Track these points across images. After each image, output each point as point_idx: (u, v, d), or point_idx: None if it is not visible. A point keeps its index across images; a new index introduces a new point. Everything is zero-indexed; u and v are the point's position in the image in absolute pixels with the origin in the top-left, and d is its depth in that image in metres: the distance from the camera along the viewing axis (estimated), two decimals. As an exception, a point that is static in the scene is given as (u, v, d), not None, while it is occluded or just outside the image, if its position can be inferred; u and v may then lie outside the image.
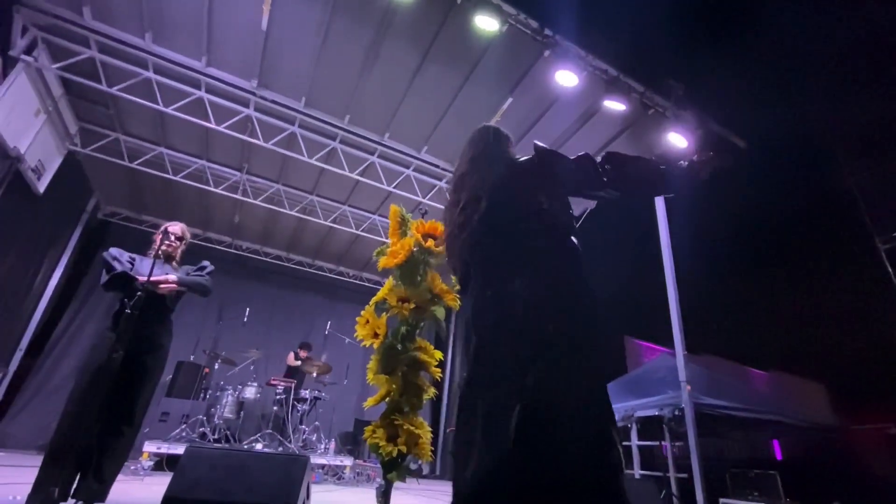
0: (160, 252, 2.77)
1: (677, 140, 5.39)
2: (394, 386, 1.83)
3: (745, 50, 4.42)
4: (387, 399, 1.87)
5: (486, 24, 4.44)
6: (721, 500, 4.22)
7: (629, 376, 7.46)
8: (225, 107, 5.75)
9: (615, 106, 5.09)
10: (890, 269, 3.87)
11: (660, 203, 5.73)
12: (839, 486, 4.43)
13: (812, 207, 4.71)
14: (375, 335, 1.89)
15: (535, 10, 4.54)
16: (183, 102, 5.52)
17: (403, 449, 1.71)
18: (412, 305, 1.89)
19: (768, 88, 4.56)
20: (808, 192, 4.66)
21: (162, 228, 2.84)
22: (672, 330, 5.00)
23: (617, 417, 5.93)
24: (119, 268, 2.61)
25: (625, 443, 5.76)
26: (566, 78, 4.79)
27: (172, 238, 2.87)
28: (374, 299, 2.01)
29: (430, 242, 2.06)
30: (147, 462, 4.65)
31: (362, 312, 1.98)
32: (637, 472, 5.51)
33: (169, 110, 5.46)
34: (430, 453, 1.79)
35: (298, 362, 6.96)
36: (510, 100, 5.53)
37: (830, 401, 6.42)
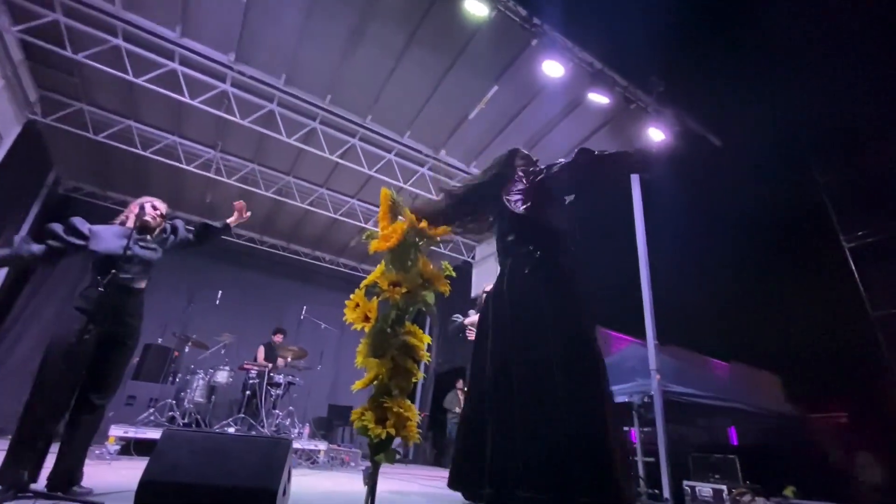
0: (139, 222, 2.58)
1: (656, 135, 5.50)
2: (383, 369, 1.82)
3: (725, 52, 4.54)
4: (375, 382, 1.86)
5: (476, 8, 4.39)
6: (684, 481, 4.42)
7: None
8: (200, 80, 5.51)
9: (599, 99, 5.15)
10: (853, 268, 4.11)
11: (636, 195, 5.83)
12: (794, 471, 4.73)
13: (782, 206, 4.93)
14: (366, 319, 1.87)
15: (526, -2, 4.51)
16: (155, 74, 5.26)
17: (392, 432, 1.71)
18: (404, 290, 1.87)
19: (745, 90, 4.70)
20: (780, 191, 4.87)
21: (143, 201, 2.67)
22: (644, 321, 5.17)
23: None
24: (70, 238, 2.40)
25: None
26: (552, 68, 4.80)
27: (157, 212, 2.70)
28: (364, 282, 1.99)
29: (424, 223, 2.05)
30: (113, 446, 4.51)
31: (352, 296, 1.96)
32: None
33: (139, 81, 5.19)
34: (417, 435, 1.80)
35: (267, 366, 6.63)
36: (496, 87, 5.52)
37: (786, 391, 6.81)
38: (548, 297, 2.05)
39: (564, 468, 1.71)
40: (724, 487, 4.10)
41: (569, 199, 2.49)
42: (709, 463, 4.57)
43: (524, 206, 2.26)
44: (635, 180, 5.63)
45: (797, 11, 4.76)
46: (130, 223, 2.57)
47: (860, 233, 4.15)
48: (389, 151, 6.76)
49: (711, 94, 4.92)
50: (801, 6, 4.61)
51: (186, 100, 5.43)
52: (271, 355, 6.68)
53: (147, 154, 6.45)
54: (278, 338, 6.98)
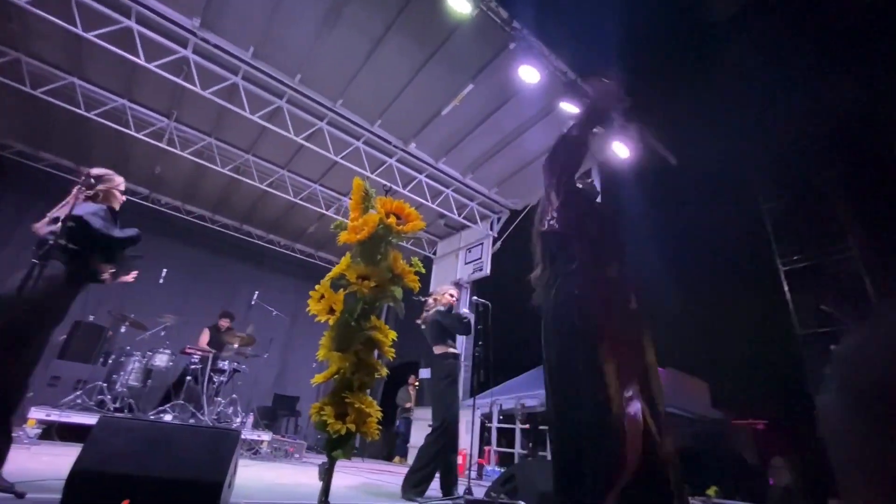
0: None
1: (620, 150, 5.72)
2: (346, 364, 1.78)
3: (688, 77, 4.82)
4: (336, 376, 1.82)
5: (458, 4, 4.36)
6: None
7: (548, 366, 7.94)
8: (158, 43, 5.14)
9: (570, 108, 5.28)
10: (786, 288, 4.51)
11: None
12: (717, 473, 5.10)
13: (727, 226, 5.29)
14: (331, 311, 1.81)
15: (507, 1, 4.54)
16: (107, 30, 4.85)
17: (353, 427, 1.68)
18: (372, 284, 1.84)
19: (703, 116, 5.01)
20: (726, 211, 5.22)
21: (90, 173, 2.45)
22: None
23: (536, 403, 6.25)
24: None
25: (542, 427, 6.13)
26: (528, 73, 4.87)
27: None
28: (330, 274, 1.93)
29: (392, 220, 2.01)
30: (33, 430, 4.13)
31: (317, 287, 1.90)
32: (548, 454, 5.91)
33: (88, 36, 4.76)
34: (377, 431, 1.77)
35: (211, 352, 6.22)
36: (471, 86, 5.52)
37: (713, 397, 7.34)
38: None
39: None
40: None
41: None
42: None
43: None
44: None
45: (754, 47, 5.11)
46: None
47: (794, 257, 4.55)
48: (358, 139, 6.62)
49: (671, 116, 5.20)
50: (758, 43, 4.96)
51: (141, 62, 5.04)
52: (216, 340, 6.38)
53: (91, 116, 5.94)
54: (224, 322, 6.66)
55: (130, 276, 2.97)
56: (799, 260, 4.58)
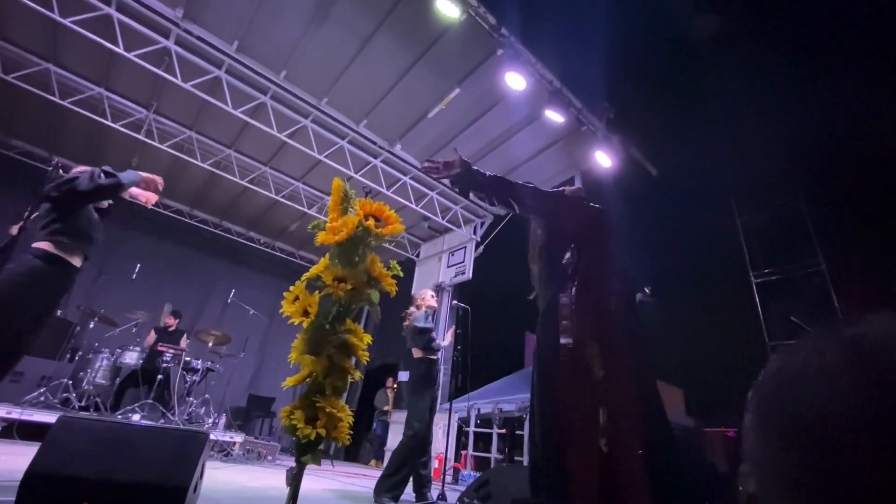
0: None
1: (602, 159, 5.81)
2: (318, 367, 1.75)
3: (670, 92, 4.93)
4: (308, 380, 1.79)
5: (447, 9, 4.37)
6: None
7: (527, 370, 7.98)
8: (138, 32, 5.01)
9: (554, 117, 5.34)
10: (757, 300, 4.64)
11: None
12: (690, 477, 5.18)
13: (704, 239, 5.42)
14: (306, 313, 1.78)
15: (496, 8, 4.57)
16: (85, 16, 4.70)
17: (322, 432, 1.64)
18: (348, 286, 1.81)
19: (684, 131, 5.13)
20: (703, 224, 5.35)
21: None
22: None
23: (514, 408, 6.28)
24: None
25: (518, 431, 6.15)
26: (515, 80, 4.90)
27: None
28: (306, 275, 1.89)
29: (371, 222, 1.99)
30: (-10, 428, 3.97)
31: (291, 288, 1.86)
32: (527, 458, 5.93)
33: (66, 22, 4.61)
34: (348, 437, 1.74)
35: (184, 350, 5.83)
36: (458, 90, 5.53)
37: (686, 404, 7.46)
38: None
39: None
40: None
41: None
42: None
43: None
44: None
45: (733, 65, 5.26)
46: None
47: (766, 270, 4.69)
48: (343, 138, 6.56)
49: (653, 129, 5.32)
50: (737, 61, 5.11)
51: (120, 51, 4.90)
52: (163, 341, 5.99)
53: (65, 104, 5.75)
54: (170, 320, 6.19)
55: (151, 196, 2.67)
56: (769, 273, 4.72)
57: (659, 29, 5.57)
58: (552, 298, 2.11)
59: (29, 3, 4.44)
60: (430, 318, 3.84)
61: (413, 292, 8.66)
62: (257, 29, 5.10)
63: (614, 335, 1.89)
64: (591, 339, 1.85)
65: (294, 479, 1.70)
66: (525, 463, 5.98)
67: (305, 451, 1.69)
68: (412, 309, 3.87)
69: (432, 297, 3.93)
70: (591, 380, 1.82)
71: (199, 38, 5.17)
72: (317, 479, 4.27)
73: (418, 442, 3.34)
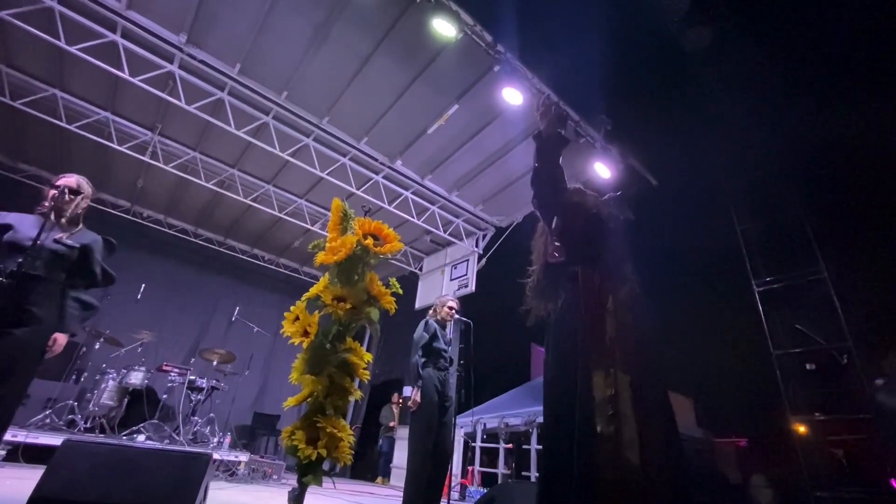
0: (49, 209, 2.37)
1: (602, 170, 5.83)
2: (319, 387, 1.76)
3: (668, 101, 4.98)
4: (309, 400, 1.80)
5: (444, 28, 4.46)
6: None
7: (533, 383, 7.92)
8: (143, 57, 5.14)
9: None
10: (761, 309, 4.62)
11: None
12: (701, 490, 5.11)
13: (705, 248, 5.42)
14: (306, 333, 1.80)
15: (492, 26, 4.66)
16: (91, 44, 4.83)
17: (324, 452, 1.65)
18: (348, 305, 1.83)
19: (683, 140, 5.17)
20: (705, 233, 5.35)
21: (54, 182, 2.45)
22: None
23: (520, 422, 6.22)
24: None
25: (525, 446, 6.08)
26: (512, 96, 4.97)
27: (67, 193, 2.48)
28: (306, 295, 1.92)
29: (370, 241, 2.02)
30: (-4, 452, 3.97)
31: (292, 308, 1.88)
32: (533, 474, 5.86)
33: (72, 49, 4.74)
34: (349, 456, 1.74)
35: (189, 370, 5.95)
36: (456, 106, 5.61)
37: (697, 414, 7.37)
38: None
39: None
40: None
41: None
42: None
43: None
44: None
45: (731, 75, 5.31)
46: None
47: (769, 278, 4.67)
48: (344, 155, 6.64)
49: (653, 139, 5.36)
50: (734, 71, 5.16)
51: (125, 76, 5.03)
52: None
53: (72, 128, 5.87)
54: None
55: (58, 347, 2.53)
56: (772, 281, 4.70)
57: (656, 40, 5.65)
58: (566, 303, 2.06)
59: (36, 31, 4.57)
60: (434, 329, 3.57)
61: (417, 305, 8.67)
62: (259, 51, 5.21)
63: (630, 339, 1.86)
64: (612, 343, 1.82)
65: (296, 500, 1.71)
66: (533, 478, 5.90)
67: (307, 472, 1.69)
68: (430, 312, 3.74)
69: (450, 307, 3.70)
70: (615, 383, 1.80)
71: (202, 62, 5.29)
72: (321, 499, 4.24)
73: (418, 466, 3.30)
